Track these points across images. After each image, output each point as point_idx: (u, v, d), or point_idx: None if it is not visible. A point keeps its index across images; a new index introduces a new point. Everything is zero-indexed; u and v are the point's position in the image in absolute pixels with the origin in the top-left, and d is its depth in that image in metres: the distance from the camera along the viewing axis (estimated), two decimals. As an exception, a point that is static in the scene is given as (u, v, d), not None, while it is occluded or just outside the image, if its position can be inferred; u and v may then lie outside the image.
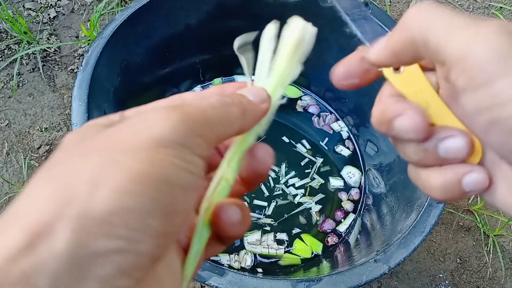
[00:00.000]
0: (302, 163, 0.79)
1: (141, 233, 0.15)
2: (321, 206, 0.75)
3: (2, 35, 0.94)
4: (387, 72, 0.23)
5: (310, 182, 0.77)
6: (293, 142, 0.80)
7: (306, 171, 0.78)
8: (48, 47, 0.92)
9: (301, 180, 0.77)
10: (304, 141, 0.80)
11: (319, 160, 0.79)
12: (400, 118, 0.21)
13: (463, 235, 0.81)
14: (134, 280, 0.15)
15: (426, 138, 0.21)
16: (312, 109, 0.84)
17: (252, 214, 0.73)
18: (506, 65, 0.16)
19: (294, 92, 0.86)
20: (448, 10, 0.19)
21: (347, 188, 0.78)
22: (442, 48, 0.18)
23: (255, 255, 0.70)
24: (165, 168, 0.16)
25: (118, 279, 0.15)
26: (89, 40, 0.92)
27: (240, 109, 0.21)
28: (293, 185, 0.77)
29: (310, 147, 0.80)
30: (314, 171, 0.78)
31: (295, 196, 0.76)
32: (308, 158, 0.79)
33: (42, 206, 0.15)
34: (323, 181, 0.77)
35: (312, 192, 0.76)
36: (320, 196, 0.76)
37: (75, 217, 0.14)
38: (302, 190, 0.76)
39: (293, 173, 0.78)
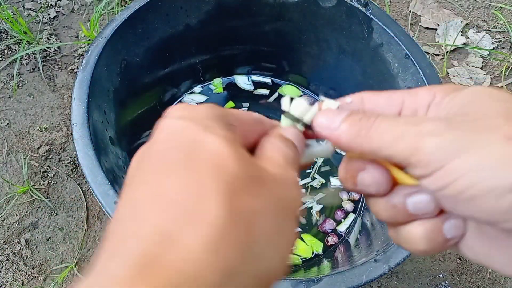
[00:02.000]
0: (302, 163, 0.79)
1: None
2: (321, 206, 0.75)
3: (2, 35, 0.94)
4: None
5: (311, 181, 0.77)
6: (293, 142, 0.80)
7: (307, 171, 0.78)
8: (48, 47, 0.92)
9: (301, 179, 0.77)
10: (304, 141, 0.80)
11: (320, 160, 0.79)
12: (362, 173, 0.23)
13: (463, 234, 0.81)
14: None
15: (387, 191, 0.23)
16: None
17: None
18: (452, 150, 0.19)
19: (293, 92, 0.86)
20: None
21: (347, 188, 0.78)
22: (396, 152, 0.21)
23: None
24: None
25: None
26: (89, 40, 0.92)
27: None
28: (293, 185, 0.77)
29: (310, 147, 0.80)
30: (315, 171, 0.78)
31: (295, 196, 0.76)
32: (308, 158, 0.79)
33: (229, 253, 0.16)
34: (323, 181, 0.77)
35: (313, 191, 0.77)
36: (320, 195, 0.76)
37: (254, 273, 0.17)
38: (303, 190, 0.76)
39: (293, 173, 0.77)
